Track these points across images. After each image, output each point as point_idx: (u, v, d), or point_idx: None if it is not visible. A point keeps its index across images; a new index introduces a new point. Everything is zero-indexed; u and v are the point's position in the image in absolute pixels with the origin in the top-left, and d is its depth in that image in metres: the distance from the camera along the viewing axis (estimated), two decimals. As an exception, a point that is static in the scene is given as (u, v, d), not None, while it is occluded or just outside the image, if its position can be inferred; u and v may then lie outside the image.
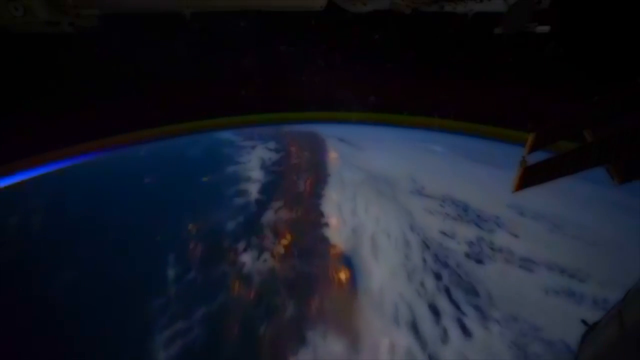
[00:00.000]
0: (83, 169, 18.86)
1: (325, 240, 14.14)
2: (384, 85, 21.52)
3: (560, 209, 14.82)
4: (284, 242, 14.09)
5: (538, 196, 14.52)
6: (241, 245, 13.51)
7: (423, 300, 11.36)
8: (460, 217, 15.21)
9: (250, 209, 16.15)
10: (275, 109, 23.67)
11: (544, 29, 2.63)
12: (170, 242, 13.61)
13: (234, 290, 11.77)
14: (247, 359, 9.78)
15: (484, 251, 13.19)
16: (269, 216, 15.50)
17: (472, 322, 10.55)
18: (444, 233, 14.23)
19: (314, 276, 12.43)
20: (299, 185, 18.74)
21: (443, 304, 11.20)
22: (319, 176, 19.33)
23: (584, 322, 2.35)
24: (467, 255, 13.03)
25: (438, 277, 12.16)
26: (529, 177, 2.43)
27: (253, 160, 20.75)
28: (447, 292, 11.59)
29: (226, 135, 23.66)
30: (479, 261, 12.76)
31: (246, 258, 12.95)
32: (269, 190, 17.68)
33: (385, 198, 16.97)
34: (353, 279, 12.29)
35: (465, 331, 10.31)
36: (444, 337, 10.18)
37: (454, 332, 10.31)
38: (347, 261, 13.03)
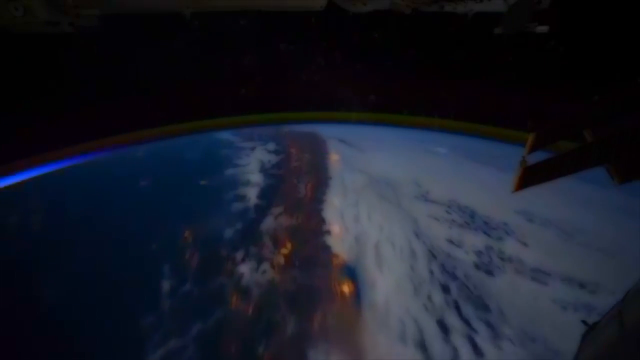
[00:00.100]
0: (83, 169, 18.86)
1: (327, 249, 13.54)
2: (384, 85, 21.55)
3: (569, 215, 14.35)
4: (284, 251, 13.52)
5: (546, 201, 14.56)
6: (239, 255, 12.96)
7: (431, 315, 10.74)
8: (467, 224, 14.63)
9: (249, 215, 15.62)
10: (275, 108, 23.69)
11: (544, 29, 2.63)
12: (165, 250, 13.13)
13: (231, 305, 11.20)
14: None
15: (494, 261, 12.57)
16: (268, 223, 14.96)
17: (483, 340, 9.94)
18: (451, 241, 13.65)
19: (316, 289, 11.88)
20: (300, 189, 18.23)
21: (452, 320, 10.57)
22: (320, 180, 18.87)
23: (584, 322, 2.35)
24: (476, 266, 12.40)
25: (446, 290, 11.56)
26: (529, 177, 2.43)
27: (252, 162, 20.31)
28: (457, 306, 10.97)
29: (226, 135, 23.49)
30: (489, 272, 12.12)
31: (244, 269, 12.38)
32: (268, 195, 17.19)
33: (389, 203, 16.46)
34: (357, 292, 11.71)
35: (477, 350, 9.74)
36: (455, 357, 9.62)
37: (465, 351, 9.70)
38: (351, 272, 12.45)
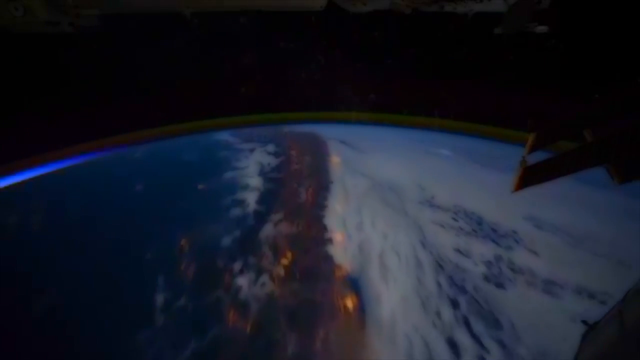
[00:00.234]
0: (83, 169, 18.85)
1: (329, 260, 12.97)
2: (384, 85, 21.55)
3: (578, 221, 13.85)
4: (284, 261, 12.95)
5: (553, 206, 14.26)
6: (237, 266, 12.43)
7: (440, 333, 10.18)
8: (474, 232, 14.05)
9: (247, 221, 15.09)
10: (275, 108, 23.68)
11: (544, 29, 2.63)
12: (160, 260, 12.66)
13: (228, 321, 10.63)
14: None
15: (504, 272, 12.01)
16: (267, 230, 14.42)
17: (495, 361, 9.39)
18: (458, 251, 13.10)
19: (318, 303, 11.27)
20: (300, 194, 17.64)
21: (462, 337, 10.00)
22: (321, 184, 18.35)
23: (584, 322, 2.35)
24: (486, 278, 11.84)
25: (455, 304, 10.99)
26: (529, 177, 2.43)
27: (251, 165, 19.90)
28: (466, 323, 10.37)
29: (225, 136, 23.34)
30: (499, 285, 11.56)
31: (242, 281, 11.85)
32: (267, 200, 16.65)
33: (393, 209, 15.89)
34: (361, 307, 11.16)
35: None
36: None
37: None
38: (354, 285, 11.91)
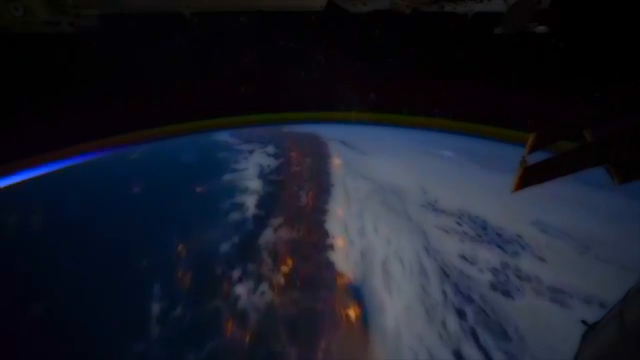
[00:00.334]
0: (83, 169, 18.86)
1: (330, 267, 12.60)
2: (384, 85, 21.57)
3: (585, 225, 13.51)
4: (284, 269, 12.58)
5: (559, 209, 14.06)
6: (236, 273, 12.07)
7: (446, 345, 9.82)
8: (479, 237, 13.73)
9: (246, 226, 14.69)
10: (275, 108, 23.70)
11: (544, 29, 2.63)
12: (157, 267, 12.29)
13: (226, 332, 10.26)
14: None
15: (511, 280, 11.65)
16: (267, 236, 14.04)
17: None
18: (463, 257, 12.77)
19: (319, 313, 10.88)
20: (300, 197, 17.21)
21: (469, 350, 9.64)
22: (322, 187, 17.96)
23: (584, 322, 2.35)
24: (492, 286, 11.50)
25: (462, 314, 10.62)
26: (529, 177, 2.43)
27: (251, 167, 19.59)
28: (474, 334, 10.02)
29: (224, 136, 23.23)
30: (507, 294, 11.22)
31: (241, 289, 11.48)
32: (267, 204, 16.22)
33: (396, 214, 15.53)
34: (364, 317, 10.78)
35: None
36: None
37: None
38: (357, 293, 11.54)
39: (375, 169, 19.34)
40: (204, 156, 21.31)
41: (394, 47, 19.01)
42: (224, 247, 13.42)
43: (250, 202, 16.29)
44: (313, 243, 13.88)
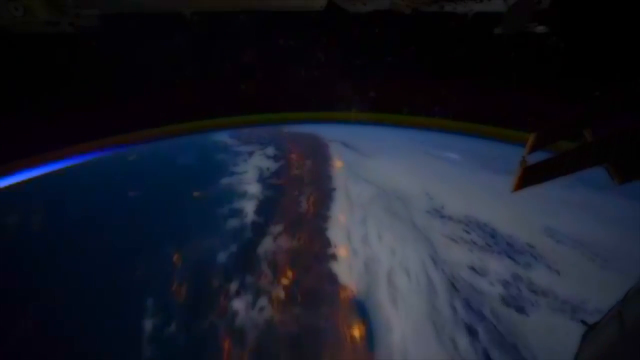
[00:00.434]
0: (83, 169, 18.85)
1: (333, 279, 11.98)
2: (384, 85, 21.57)
3: (599, 233, 12.75)
4: (285, 281, 11.96)
5: (571, 217, 13.50)
6: (233, 286, 11.48)
7: None
8: (489, 247, 13.02)
9: (245, 234, 14.09)
10: (275, 108, 23.68)
11: (544, 29, 2.63)
12: (151, 279, 11.71)
13: (223, 352, 9.64)
14: None
15: (524, 294, 10.97)
16: (266, 245, 13.43)
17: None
18: (473, 269, 12.06)
19: (322, 331, 10.27)
20: (301, 203, 16.48)
21: None
22: (323, 191, 17.29)
23: (583, 322, 2.35)
24: (504, 301, 10.83)
25: (473, 333, 9.96)
26: (529, 177, 2.43)
27: (250, 170, 19.04)
28: (487, 356, 9.37)
29: (224, 137, 22.98)
30: (520, 309, 10.54)
31: (239, 304, 10.86)
32: (266, 210, 15.59)
33: (400, 221, 14.80)
34: (369, 336, 10.18)
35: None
36: None
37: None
38: (361, 309, 10.91)
39: (377, 171, 18.83)
40: (203, 158, 21.01)
41: (394, 47, 19.02)
42: (221, 256, 12.89)
43: (249, 208, 15.73)
44: (314, 253, 13.27)
